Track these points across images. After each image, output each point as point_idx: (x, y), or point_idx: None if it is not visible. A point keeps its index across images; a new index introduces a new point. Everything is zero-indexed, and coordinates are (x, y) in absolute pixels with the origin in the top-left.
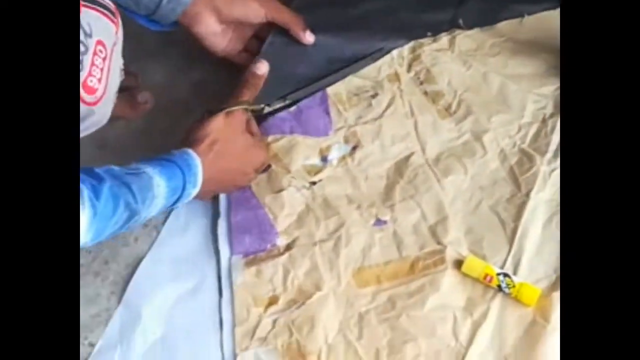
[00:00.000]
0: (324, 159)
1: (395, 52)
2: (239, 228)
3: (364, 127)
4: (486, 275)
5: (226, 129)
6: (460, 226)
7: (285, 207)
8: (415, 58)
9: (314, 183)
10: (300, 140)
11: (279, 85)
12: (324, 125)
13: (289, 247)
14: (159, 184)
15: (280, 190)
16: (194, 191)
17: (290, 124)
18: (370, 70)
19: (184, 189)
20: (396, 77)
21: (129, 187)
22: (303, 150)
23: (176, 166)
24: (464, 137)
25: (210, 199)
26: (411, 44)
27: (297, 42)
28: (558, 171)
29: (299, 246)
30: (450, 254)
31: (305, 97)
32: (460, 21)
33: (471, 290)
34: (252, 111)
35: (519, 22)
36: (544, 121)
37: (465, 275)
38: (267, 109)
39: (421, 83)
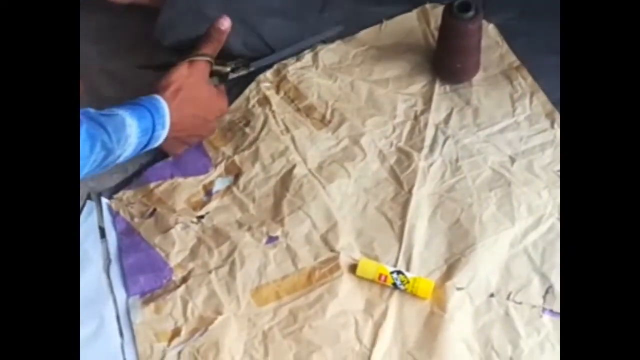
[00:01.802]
0: (209, 193)
1: (260, 77)
2: (132, 270)
3: (242, 154)
4: (380, 275)
5: (189, 77)
6: (351, 230)
7: (176, 244)
8: (281, 79)
9: (201, 217)
10: (182, 181)
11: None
12: (203, 165)
13: (184, 280)
14: (130, 124)
15: (168, 229)
16: (164, 133)
17: (170, 170)
18: (238, 101)
19: (153, 130)
20: (266, 100)
21: (105, 128)
22: (186, 190)
23: (145, 109)
24: (342, 143)
25: (179, 155)
26: (275, 67)
27: None
28: (436, 164)
29: (195, 276)
30: (344, 260)
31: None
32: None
33: (368, 292)
34: (216, 72)
35: (378, 29)
36: (415, 118)
37: (361, 278)
38: (231, 75)
39: (292, 101)
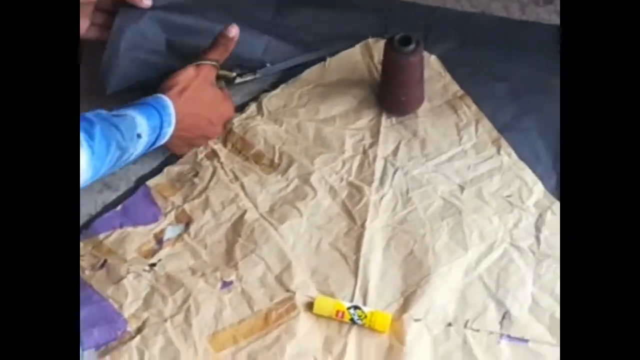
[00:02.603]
0: (160, 242)
1: None
2: (85, 323)
3: (192, 203)
4: (337, 311)
5: (195, 79)
6: (305, 269)
7: (129, 294)
8: (227, 133)
9: (153, 265)
10: (132, 230)
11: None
12: (152, 214)
13: (139, 330)
14: (140, 122)
15: (120, 279)
16: (170, 130)
17: (119, 220)
18: (187, 157)
19: (161, 127)
20: (214, 154)
21: (118, 128)
22: (136, 239)
23: (152, 107)
24: (292, 184)
25: (185, 152)
26: None
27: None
28: (387, 197)
29: (150, 326)
30: (300, 299)
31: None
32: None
33: (326, 329)
34: (222, 76)
35: (322, 67)
36: (364, 152)
37: (318, 315)
38: (238, 80)
39: (239, 152)
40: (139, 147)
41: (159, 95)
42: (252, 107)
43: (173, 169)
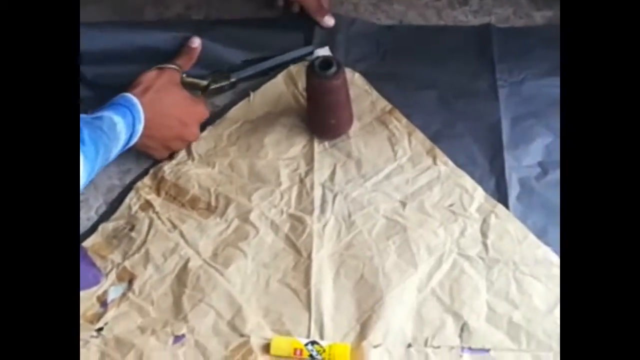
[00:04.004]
0: (104, 304)
1: (138, 184)
2: None
3: (132, 259)
4: (295, 349)
5: (158, 79)
6: (257, 310)
7: None
8: (160, 181)
9: (100, 329)
10: None
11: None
12: (93, 276)
13: None
14: (117, 121)
15: None
16: (140, 127)
17: None
18: (121, 210)
19: (133, 124)
20: (148, 204)
21: (102, 129)
22: (80, 305)
23: (122, 106)
24: (232, 225)
25: (165, 155)
26: (151, 171)
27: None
28: (330, 224)
29: None
30: (256, 342)
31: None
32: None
33: None
34: (195, 84)
35: (247, 102)
36: (301, 181)
37: (277, 356)
38: (213, 85)
39: (174, 198)
40: (119, 145)
41: (125, 94)
42: (182, 152)
43: (108, 226)
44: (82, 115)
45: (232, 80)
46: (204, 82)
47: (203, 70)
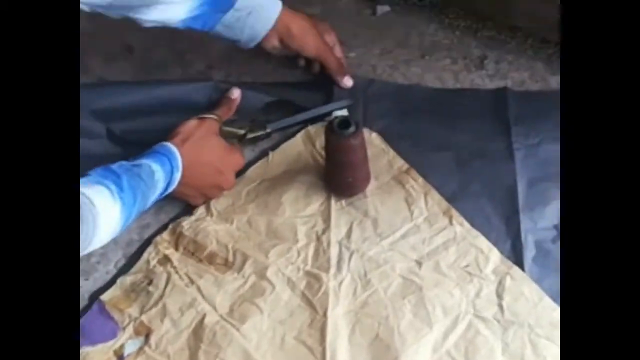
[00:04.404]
0: (121, 358)
1: (157, 239)
2: None
3: (149, 313)
4: None
5: (197, 129)
6: None
7: None
8: (178, 236)
9: None
10: (91, 350)
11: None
12: (110, 330)
13: None
14: (156, 169)
15: None
16: (178, 175)
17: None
18: (139, 264)
19: (171, 172)
20: (166, 259)
21: (140, 177)
22: (96, 358)
23: (161, 154)
24: (249, 281)
25: (201, 202)
26: (170, 226)
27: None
28: (346, 282)
29: None
30: None
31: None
32: None
33: None
34: (232, 133)
35: (266, 162)
36: (318, 239)
37: None
38: (249, 135)
39: (192, 254)
40: (156, 192)
41: (164, 143)
42: (201, 209)
43: (126, 279)
44: (122, 162)
45: (268, 130)
46: (242, 131)
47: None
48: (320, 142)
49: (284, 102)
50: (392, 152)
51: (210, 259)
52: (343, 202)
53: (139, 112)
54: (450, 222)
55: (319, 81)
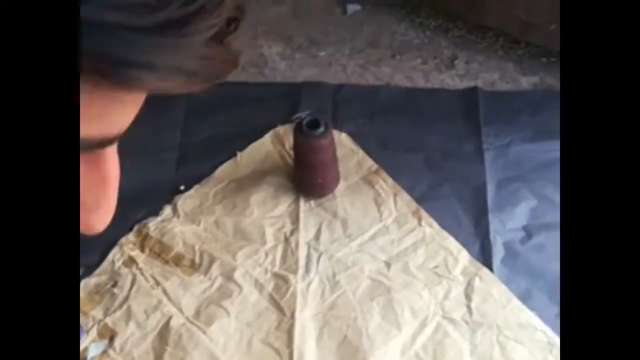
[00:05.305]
0: None
1: (123, 240)
2: None
3: (114, 315)
4: None
5: None
6: None
7: None
8: (144, 238)
9: None
10: None
11: None
12: None
13: None
14: None
15: None
16: None
17: None
18: (104, 265)
19: None
20: (131, 260)
21: None
22: None
23: None
24: (216, 283)
25: None
26: (136, 227)
27: None
28: (314, 284)
29: None
30: None
31: None
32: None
33: None
34: None
35: (234, 162)
36: (286, 240)
37: None
38: None
39: (158, 255)
40: None
41: None
42: (167, 209)
43: (90, 281)
44: None
45: None
46: None
47: None
48: (289, 142)
49: None
50: (361, 153)
51: (177, 260)
52: (312, 202)
53: None
54: (420, 223)
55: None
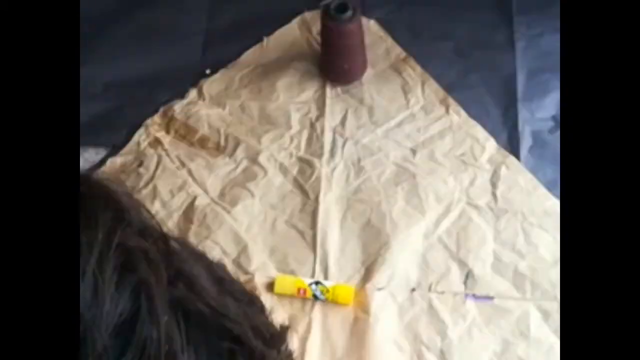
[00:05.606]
0: None
1: (148, 121)
2: None
3: (139, 194)
4: (299, 289)
5: None
6: (263, 249)
7: None
8: (170, 120)
9: None
10: None
11: None
12: None
13: None
14: None
15: None
16: None
17: None
18: (129, 145)
19: None
20: (157, 142)
21: None
22: None
23: None
24: (241, 166)
25: None
26: (161, 109)
27: None
28: (339, 168)
29: None
30: (260, 280)
31: None
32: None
33: (290, 307)
34: None
35: (260, 47)
36: (312, 126)
37: (280, 295)
38: None
39: (184, 137)
40: None
41: None
42: (193, 92)
43: (116, 160)
44: None
45: None
46: None
47: None
48: (316, 28)
49: None
50: (390, 40)
51: (202, 142)
52: (339, 89)
53: None
54: (447, 111)
55: None
